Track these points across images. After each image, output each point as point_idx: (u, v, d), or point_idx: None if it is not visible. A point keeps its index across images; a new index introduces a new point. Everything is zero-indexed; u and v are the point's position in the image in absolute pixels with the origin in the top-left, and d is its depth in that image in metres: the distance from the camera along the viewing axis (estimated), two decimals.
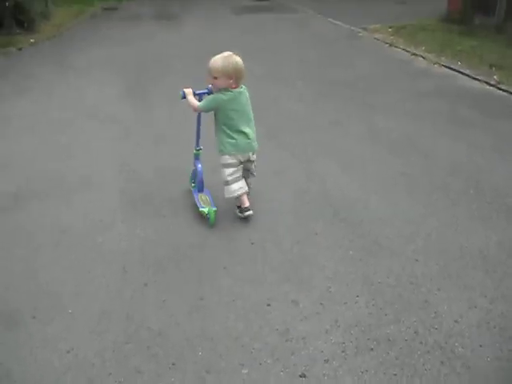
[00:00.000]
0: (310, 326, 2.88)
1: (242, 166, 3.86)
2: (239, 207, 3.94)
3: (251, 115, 3.82)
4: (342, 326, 2.87)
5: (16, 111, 6.65)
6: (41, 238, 3.78)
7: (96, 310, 3.04)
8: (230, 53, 3.72)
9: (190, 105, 3.83)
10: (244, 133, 3.73)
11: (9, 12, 10.89)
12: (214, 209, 3.88)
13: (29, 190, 4.53)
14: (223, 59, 3.65)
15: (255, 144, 3.83)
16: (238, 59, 3.68)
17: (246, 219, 3.90)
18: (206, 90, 3.88)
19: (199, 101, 3.83)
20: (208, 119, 3.93)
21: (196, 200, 4.08)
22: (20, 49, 10.04)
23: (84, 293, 3.19)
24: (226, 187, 3.86)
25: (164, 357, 2.70)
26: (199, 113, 3.97)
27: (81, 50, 9.87)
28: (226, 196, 3.89)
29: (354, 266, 3.37)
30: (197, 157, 4.17)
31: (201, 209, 3.95)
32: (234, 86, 3.68)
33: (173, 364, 2.65)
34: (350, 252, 3.51)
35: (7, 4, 10.77)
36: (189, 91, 3.85)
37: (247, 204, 3.88)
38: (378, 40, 9.85)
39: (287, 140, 5.40)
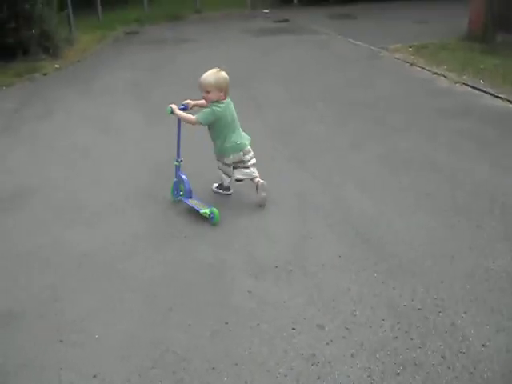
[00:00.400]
0: (336, 350, 2.87)
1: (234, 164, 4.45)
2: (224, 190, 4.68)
3: (237, 121, 4.41)
4: (367, 350, 2.85)
5: (40, 135, 6.79)
6: (66, 264, 3.83)
7: (122, 335, 3.06)
8: (218, 69, 4.27)
9: (183, 119, 4.28)
10: (235, 136, 4.32)
11: (35, 39, 11.12)
12: (215, 209, 4.21)
13: (53, 215, 4.59)
14: (214, 75, 4.20)
15: (246, 143, 4.40)
16: (225, 74, 4.25)
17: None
18: (182, 106, 4.39)
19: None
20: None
21: (192, 206, 4.37)
22: (45, 74, 10.22)
23: (110, 318, 3.22)
24: (222, 176, 4.56)
25: (189, 382, 2.71)
26: (179, 127, 4.39)
27: (104, 74, 10.00)
28: (226, 184, 4.61)
29: (379, 289, 3.35)
30: (178, 168, 4.51)
31: (202, 211, 4.24)
32: (223, 98, 4.23)
33: None
34: (375, 275, 3.50)
35: (33, 31, 11.01)
36: (175, 107, 4.26)
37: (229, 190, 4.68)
38: (399, 60, 9.84)
39: (308, 162, 5.40)
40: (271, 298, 3.31)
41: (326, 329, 3.03)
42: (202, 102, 4.38)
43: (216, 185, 4.76)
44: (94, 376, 2.78)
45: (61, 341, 3.06)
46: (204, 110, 4.26)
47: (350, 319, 3.10)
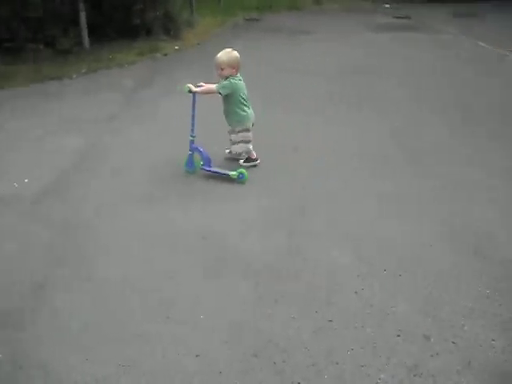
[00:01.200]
0: (441, 363, 2.78)
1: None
2: (249, 159, 5.16)
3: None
4: (475, 369, 2.74)
5: (162, 111, 7.06)
6: (182, 242, 3.94)
7: (227, 320, 3.12)
8: (230, 49, 4.93)
9: (204, 91, 4.82)
10: (249, 107, 5.00)
11: (158, 20, 11.52)
12: (242, 169, 4.87)
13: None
14: (227, 54, 4.85)
15: (254, 115, 5.07)
16: (236, 53, 4.90)
17: None
18: (199, 86, 4.88)
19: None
20: None
21: (216, 171, 4.94)
22: (165, 54, 10.56)
23: (217, 301, 3.29)
24: (245, 145, 5.07)
25: (289, 375, 2.72)
26: (194, 106, 4.90)
27: None
28: (240, 151, 5.10)
29: (491, 306, 3.21)
30: (192, 142, 5.01)
31: (230, 173, 4.84)
32: (234, 73, 4.86)
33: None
34: (487, 291, 3.35)
35: (158, 13, 11.39)
36: (192, 86, 4.81)
37: (255, 156, 5.19)
38: None
39: (431, 168, 5.25)
40: (378, 301, 3.25)
41: (432, 340, 2.94)
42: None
43: (242, 161, 5.17)
44: (197, 355, 2.86)
45: (168, 317, 3.16)
46: (222, 82, 4.83)
47: (458, 333, 2.99)
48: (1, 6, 9.85)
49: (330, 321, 3.09)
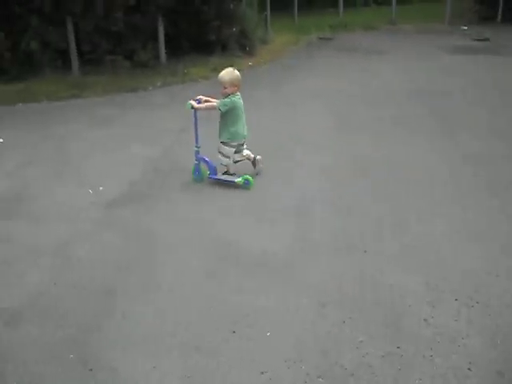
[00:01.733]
0: None
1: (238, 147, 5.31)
2: (226, 172, 5.39)
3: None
4: None
5: None
6: (248, 259, 3.97)
7: (292, 339, 3.10)
8: (232, 68, 5.25)
9: (205, 108, 5.19)
10: (241, 125, 5.24)
11: (234, 37, 11.73)
12: (247, 176, 5.17)
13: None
14: (230, 74, 5.13)
15: (246, 133, 5.32)
16: (237, 73, 5.21)
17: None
18: (197, 99, 5.24)
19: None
20: None
21: (222, 179, 5.29)
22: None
23: (282, 319, 3.27)
24: (223, 159, 5.30)
25: None
26: (196, 119, 5.23)
27: (294, 77, 10.23)
28: (226, 163, 5.33)
29: None
30: (197, 152, 5.35)
31: (236, 180, 5.17)
32: (236, 91, 5.14)
33: None
34: None
35: (234, 30, 11.60)
36: (194, 102, 5.15)
37: (232, 171, 5.36)
38: None
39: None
40: (448, 331, 3.15)
41: (506, 377, 2.82)
42: (212, 100, 5.26)
43: (221, 174, 5.41)
44: (262, 373, 2.85)
45: (234, 331, 3.17)
46: (223, 99, 5.12)
47: None
48: (85, 20, 10.27)
49: (398, 347, 3.01)
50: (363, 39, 15.08)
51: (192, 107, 5.16)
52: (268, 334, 3.14)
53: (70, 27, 10.28)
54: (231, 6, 11.43)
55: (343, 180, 5.35)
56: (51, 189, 5.38)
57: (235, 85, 5.12)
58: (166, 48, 11.09)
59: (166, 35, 11.00)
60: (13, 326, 3.28)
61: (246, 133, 5.33)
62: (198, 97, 5.29)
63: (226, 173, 5.39)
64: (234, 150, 5.26)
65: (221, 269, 3.83)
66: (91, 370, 2.90)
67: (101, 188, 5.29)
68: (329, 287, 3.58)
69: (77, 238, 4.36)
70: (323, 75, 10.48)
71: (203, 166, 5.37)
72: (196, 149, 5.35)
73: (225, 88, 5.09)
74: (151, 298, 3.51)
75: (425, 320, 3.24)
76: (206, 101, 5.29)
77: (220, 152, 5.31)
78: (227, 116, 5.17)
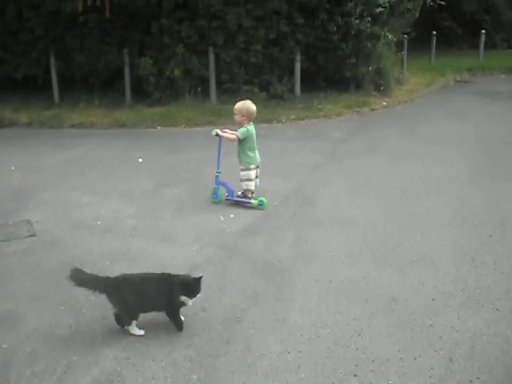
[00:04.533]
0: None
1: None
2: (249, 195, 5.79)
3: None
4: None
5: (360, 169, 7.11)
6: (373, 305, 3.90)
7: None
8: (249, 101, 5.78)
9: (227, 137, 5.69)
10: (256, 150, 5.79)
11: (369, 75, 11.75)
12: (262, 197, 5.70)
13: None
14: (245, 105, 5.66)
15: (260, 157, 5.87)
16: (253, 105, 5.68)
17: None
18: (226, 130, 5.79)
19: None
20: None
21: (239, 201, 5.80)
22: (373, 109, 10.72)
23: (407, 370, 3.18)
24: (248, 183, 5.75)
25: None
26: (220, 146, 5.82)
27: (429, 120, 10.03)
28: (245, 188, 5.78)
29: None
30: (217, 177, 5.86)
31: (252, 202, 5.70)
32: (250, 121, 5.67)
33: None
34: None
35: (370, 68, 11.64)
36: (219, 130, 5.71)
37: (252, 195, 5.81)
38: None
39: None
40: None
41: None
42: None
43: (239, 193, 5.89)
44: None
45: (355, 375, 3.13)
46: (239, 129, 5.65)
47: None
48: (226, 51, 10.75)
49: None
50: (503, 84, 14.52)
51: (217, 134, 5.68)
52: (390, 382, 3.07)
53: (211, 57, 10.80)
54: (369, 44, 11.47)
55: (478, 231, 5.13)
56: (183, 211, 5.68)
57: (243, 115, 5.66)
58: (301, 82, 11.31)
59: (302, 70, 11.23)
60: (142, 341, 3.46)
61: (259, 157, 5.86)
62: (225, 129, 5.83)
63: (243, 194, 5.85)
64: (254, 172, 5.77)
65: (347, 310, 3.80)
66: None
67: (232, 216, 5.46)
68: (457, 341, 3.44)
69: (206, 263, 4.51)
70: (459, 119, 10.15)
71: (221, 189, 5.88)
72: (217, 174, 5.86)
73: (235, 115, 5.71)
74: (275, 332, 3.54)
75: None
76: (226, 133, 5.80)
77: (242, 179, 5.80)
78: (244, 143, 5.70)
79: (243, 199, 5.80)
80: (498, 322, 3.65)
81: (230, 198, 5.83)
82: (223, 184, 5.87)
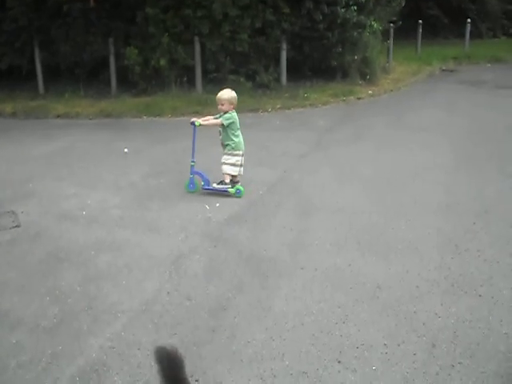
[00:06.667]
0: None
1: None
2: (227, 180, 5.79)
3: None
4: None
5: (343, 158, 7.12)
6: (358, 293, 3.93)
7: (399, 376, 3.04)
8: (230, 89, 5.80)
9: (212, 124, 5.77)
10: (241, 136, 5.81)
11: (355, 64, 11.76)
12: (239, 185, 5.75)
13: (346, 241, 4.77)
14: (228, 93, 5.69)
15: (245, 146, 5.86)
16: (234, 93, 5.73)
17: None
18: (207, 118, 5.93)
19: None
20: None
21: (216, 189, 5.80)
22: (359, 98, 10.74)
23: (390, 355, 3.22)
24: (233, 167, 5.76)
25: None
26: (194, 136, 5.80)
27: (415, 108, 10.05)
28: (229, 172, 5.77)
29: None
30: (193, 167, 5.86)
31: (229, 190, 5.73)
32: (232, 109, 5.70)
33: None
34: None
35: (356, 57, 11.65)
36: (200, 120, 5.72)
37: (238, 179, 5.84)
38: None
39: None
40: None
41: None
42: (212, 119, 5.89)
43: (215, 184, 5.84)
44: None
45: (339, 361, 3.16)
46: (224, 115, 5.69)
47: None
48: (211, 41, 10.71)
49: None
50: (488, 72, 14.58)
51: (200, 124, 5.68)
52: (374, 368, 3.10)
53: (197, 47, 10.76)
54: (355, 33, 11.46)
55: (462, 219, 5.18)
56: (169, 201, 5.69)
57: (232, 103, 5.70)
58: (287, 71, 11.30)
59: (288, 59, 11.22)
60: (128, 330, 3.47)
61: (244, 143, 5.88)
62: (206, 118, 5.92)
63: (220, 183, 5.82)
64: (239, 158, 5.77)
65: (331, 298, 3.83)
66: (197, 380, 3.00)
67: (217, 204, 5.47)
68: (440, 328, 3.48)
69: (191, 252, 4.52)
70: (445, 109, 10.17)
71: (197, 179, 5.88)
72: (192, 163, 5.86)
73: (222, 105, 5.68)
74: (260, 320, 3.57)
75: None
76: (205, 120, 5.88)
77: (226, 163, 5.78)
78: (228, 129, 5.72)
79: (220, 187, 5.78)
80: (480, 308, 3.70)
81: (206, 187, 5.84)
82: (199, 173, 5.88)
